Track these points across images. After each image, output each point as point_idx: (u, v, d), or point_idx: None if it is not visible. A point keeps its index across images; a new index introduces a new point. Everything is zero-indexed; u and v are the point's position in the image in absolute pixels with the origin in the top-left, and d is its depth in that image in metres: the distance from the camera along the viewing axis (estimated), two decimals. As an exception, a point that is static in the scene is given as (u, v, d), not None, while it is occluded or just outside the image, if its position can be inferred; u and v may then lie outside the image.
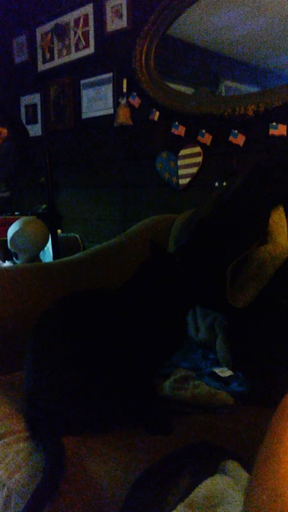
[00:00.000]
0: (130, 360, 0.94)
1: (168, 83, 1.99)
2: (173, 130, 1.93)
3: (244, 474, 0.66)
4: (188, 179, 1.91)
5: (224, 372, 1.09)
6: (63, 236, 2.38)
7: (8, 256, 2.26)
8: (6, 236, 2.17)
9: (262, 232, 1.09)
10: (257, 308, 1.00)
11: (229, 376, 1.07)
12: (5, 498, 0.78)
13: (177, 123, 1.92)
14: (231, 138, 1.74)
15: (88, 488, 0.75)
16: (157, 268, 0.95)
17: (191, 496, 0.59)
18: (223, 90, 2.01)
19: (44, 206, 2.48)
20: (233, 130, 1.73)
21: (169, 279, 0.93)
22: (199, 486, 0.60)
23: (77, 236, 2.42)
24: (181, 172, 1.93)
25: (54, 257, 2.08)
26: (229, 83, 2.04)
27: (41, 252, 2.24)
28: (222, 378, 1.07)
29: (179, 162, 1.93)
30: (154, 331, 0.94)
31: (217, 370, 1.10)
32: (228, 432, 0.92)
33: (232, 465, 0.69)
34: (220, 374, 1.08)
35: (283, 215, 1.11)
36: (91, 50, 2.25)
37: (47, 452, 0.83)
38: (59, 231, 2.35)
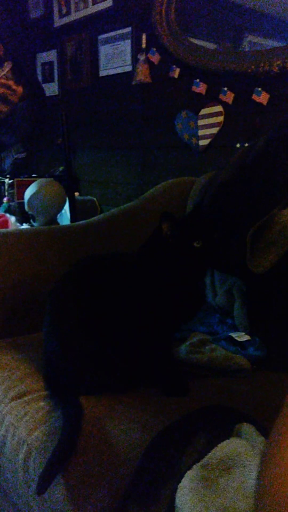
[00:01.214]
0: (147, 322, 0.94)
1: (189, 38, 1.90)
2: (194, 88, 1.86)
3: (259, 438, 0.66)
4: (208, 140, 1.85)
5: (241, 336, 1.09)
6: (80, 199, 2.37)
7: (25, 218, 2.26)
8: (23, 198, 2.17)
9: (285, 195, 1.05)
10: (277, 273, 0.98)
11: (246, 341, 1.07)
12: (25, 454, 0.81)
13: (198, 80, 1.84)
14: (254, 97, 1.66)
15: (105, 447, 0.77)
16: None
17: (207, 457, 0.59)
18: (247, 45, 1.92)
19: (61, 168, 2.46)
20: (256, 87, 1.65)
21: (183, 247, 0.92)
22: (215, 448, 0.60)
23: (94, 199, 2.40)
24: (201, 132, 1.87)
25: (72, 220, 2.07)
26: (253, 38, 1.94)
27: (59, 215, 2.23)
28: (239, 343, 1.07)
29: (200, 122, 1.86)
30: (171, 294, 0.94)
31: (234, 335, 1.10)
32: (244, 395, 0.92)
33: (247, 429, 0.70)
34: (237, 338, 1.08)
35: (307, 178, 1.06)
36: (109, 2, 2.15)
37: (65, 411, 0.84)
38: (76, 193, 2.33)
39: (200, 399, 0.91)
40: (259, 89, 1.65)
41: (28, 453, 0.81)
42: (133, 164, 2.23)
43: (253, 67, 1.65)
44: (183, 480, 0.57)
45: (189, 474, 0.57)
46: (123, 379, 0.95)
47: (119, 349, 0.93)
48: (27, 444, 0.82)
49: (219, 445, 0.60)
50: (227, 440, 0.61)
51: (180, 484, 0.56)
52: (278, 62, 1.58)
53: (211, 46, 1.94)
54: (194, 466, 0.58)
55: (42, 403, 0.90)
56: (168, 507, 0.58)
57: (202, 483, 0.54)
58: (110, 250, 1.20)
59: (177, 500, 0.55)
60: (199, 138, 1.88)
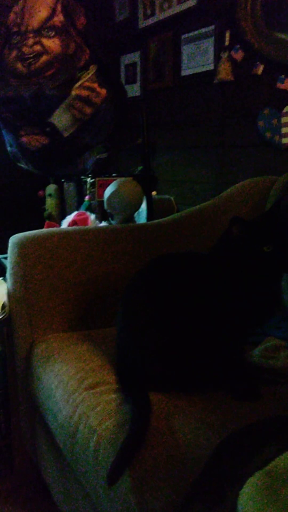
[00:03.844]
0: (219, 323, 0.93)
1: (276, 33, 1.83)
2: (278, 85, 1.79)
3: None
4: (292, 138, 1.78)
5: None
6: (157, 198, 2.38)
7: (104, 216, 2.33)
8: (103, 197, 2.23)
9: None
10: None
11: None
12: (95, 443, 0.84)
13: (283, 76, 1.77)
14: None
15: (172, 443, 0.77)
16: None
17: (270, 465, 0.57)
18: None
19: (140, 167, 2.49)
20: None
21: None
22: (280, 456, 0.58)
23: (172, 198, 2.41)
24: (285, 130, 1.80)
25: (148, 219, 2.09)
26: None
27: (136, 214, 2.27)
28: None
29: (284, 120, 1.79)
30: (244, 297, 0.92)
31: (311, 342, 1.05)
32: None
33: None
34: (314, 346, 1.03)
35: None
36: (193, 1, 2.14)
37: (134, 405, 0.86)
38: (154, 193, 2.35)
39: (271, 407, 0.88)
40: None
41: (98, 442, 0.83)
42: (211, 163, 2.20)
43: None
44: (245, 486, 0.55)
45: (251, 480, 0.55)
46: (192, 379, 0.94)
47: (190, 348, 0.93)
48: (98, 434, 0.85)
49: (285, 453, 0.58)
50: (297, 450, 0.59)
51: (242, 491, 0.55)
52: None
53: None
54: (257, 473, 0.56)
55: (113, 395, 0.92)
56: (231, 511, 0.57)
57: (264, 492, 0.53)
58: (185, 248, 1.20)
59: (239, 507, 0.54)
60: (282, 135, 1.81)
